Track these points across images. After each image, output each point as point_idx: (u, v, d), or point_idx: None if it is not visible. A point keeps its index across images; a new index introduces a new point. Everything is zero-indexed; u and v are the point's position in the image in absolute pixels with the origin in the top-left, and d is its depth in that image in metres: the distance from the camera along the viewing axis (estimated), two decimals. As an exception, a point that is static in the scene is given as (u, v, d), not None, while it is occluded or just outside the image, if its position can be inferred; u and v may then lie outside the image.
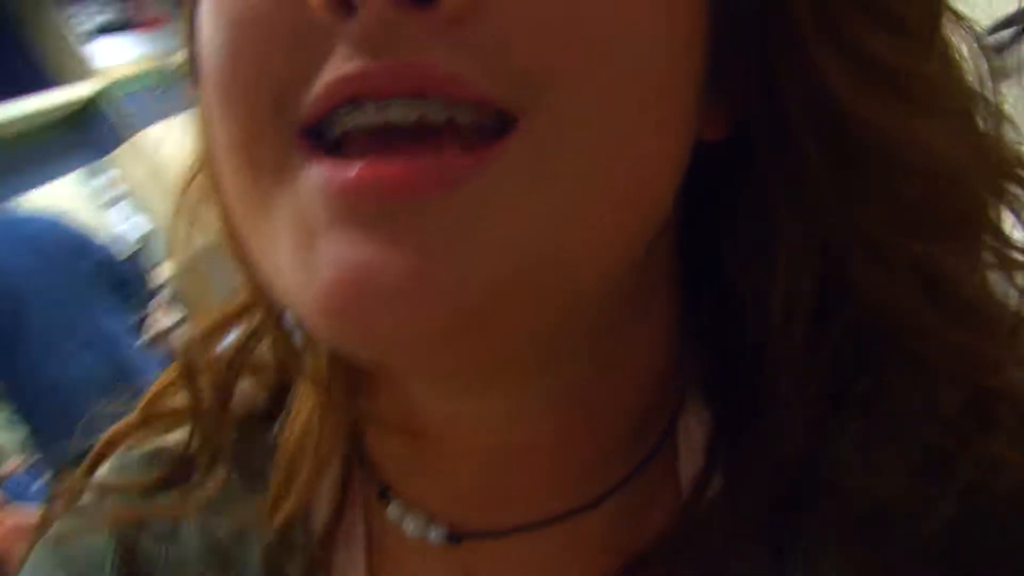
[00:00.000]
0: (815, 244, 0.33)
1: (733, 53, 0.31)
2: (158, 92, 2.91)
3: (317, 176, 0.27)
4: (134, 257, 2.50)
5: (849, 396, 0.34)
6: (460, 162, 0.26)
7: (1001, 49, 0.86)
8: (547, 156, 0.27)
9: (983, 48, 0.34)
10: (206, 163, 0.36)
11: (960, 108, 0.33)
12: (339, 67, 0.26)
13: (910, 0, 0.31)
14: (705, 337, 0.37)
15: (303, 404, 0.40)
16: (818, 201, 0.32)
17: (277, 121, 0.28)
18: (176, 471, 0.42)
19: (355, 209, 0.26)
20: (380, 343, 0.27)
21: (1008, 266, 0.34)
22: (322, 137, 0.28)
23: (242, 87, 0.28)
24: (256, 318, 0.41)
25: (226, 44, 0.29)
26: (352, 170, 0.26)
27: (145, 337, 2.04)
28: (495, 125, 0.27)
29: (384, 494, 0.39)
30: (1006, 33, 0.99)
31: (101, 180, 2.91)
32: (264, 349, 0.42)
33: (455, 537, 0.38)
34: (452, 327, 0.26)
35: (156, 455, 0.43)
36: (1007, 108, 0.34)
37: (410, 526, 0.38)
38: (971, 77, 0.33)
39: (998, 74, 0.34)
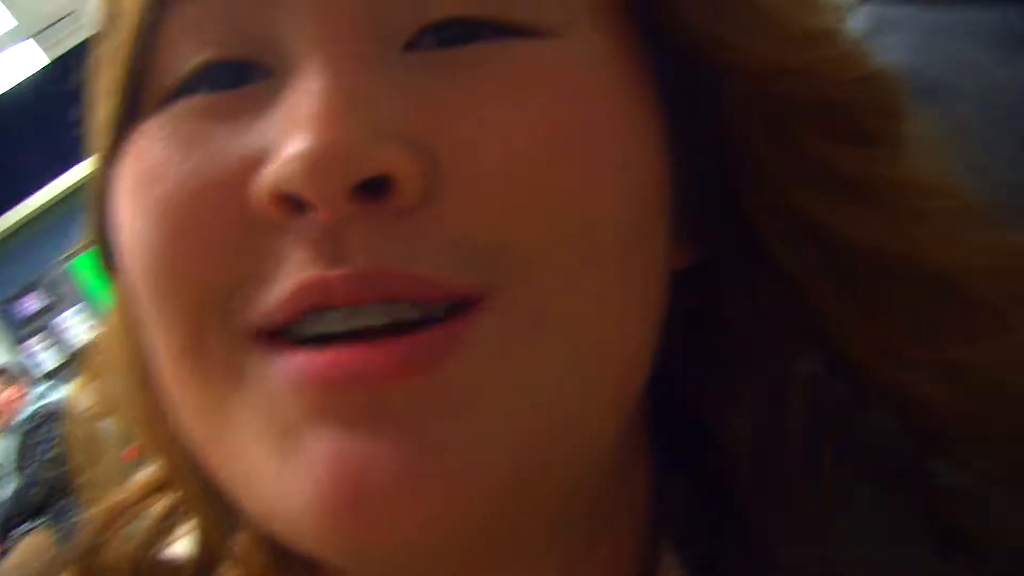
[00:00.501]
0: (787, 371, 0.32)
1: (697, 189, 0.30)
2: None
3: (286, 369, 0.25)
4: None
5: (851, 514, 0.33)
6: (435, 339, 0.25)
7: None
8: (522, 324, 0.25)
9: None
10: (123, 337, 0.33)
11: (947, 206, 0.32)
12: (298, 274, 0.25)
13: (869, 110, 0.31)
14: (679, 480, 0.35)
15: None
16: (816, 323, 0.31)
17: (225, 327, 0.26)
18: None
19: (335, 401, 0.25)
20: (385, 544, 0.25)
21: None
22: (283, 337, 0.26)
23: (183, 293, 0.27)
24: (170, 499, 0.36)
25: (159, 244, 0.27)
26: (324, 358, 0.25)
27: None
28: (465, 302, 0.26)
29: None
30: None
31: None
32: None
33: None
34: (460, 521, 0.25)
35: None
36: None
37: None
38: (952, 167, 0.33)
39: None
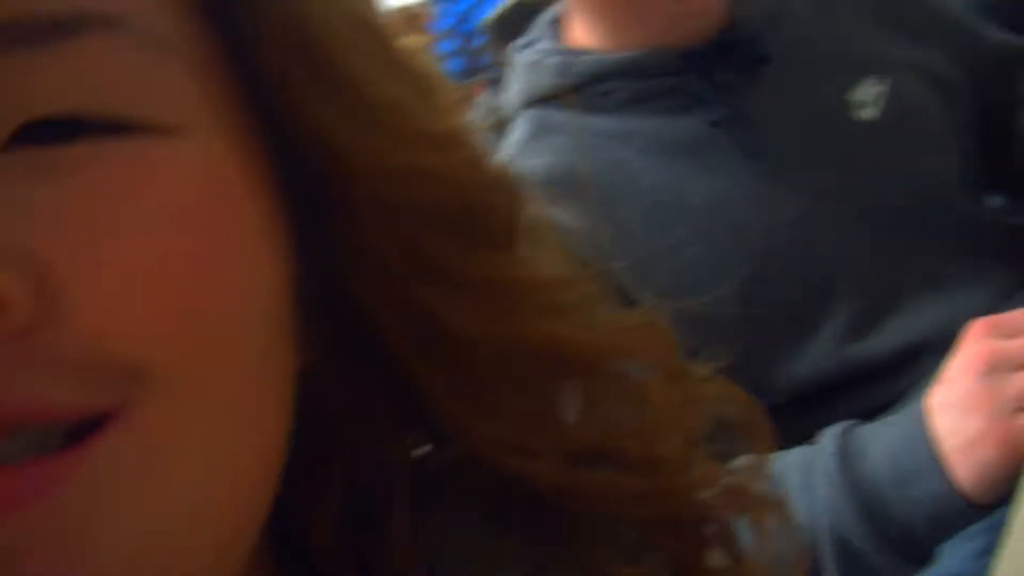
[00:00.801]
0: (388, 457, 0.33)
1: (320, 284, 0.30)
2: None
3: None
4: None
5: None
6: (45, 469, 0.22)
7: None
8: (152, 441, 0.24)
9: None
10: None
11: (568, 298, 0.33)
12: None
13: (492, 213, 0.32)
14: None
15: None
16: (429, 415, 0.32)
17: None
18: None
19: None
20: None
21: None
22: None
23: None
24: None
25: None
26: None
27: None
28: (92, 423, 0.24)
29: None
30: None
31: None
32: None
33: None
34: None
35: None
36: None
37: None
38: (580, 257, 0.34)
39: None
